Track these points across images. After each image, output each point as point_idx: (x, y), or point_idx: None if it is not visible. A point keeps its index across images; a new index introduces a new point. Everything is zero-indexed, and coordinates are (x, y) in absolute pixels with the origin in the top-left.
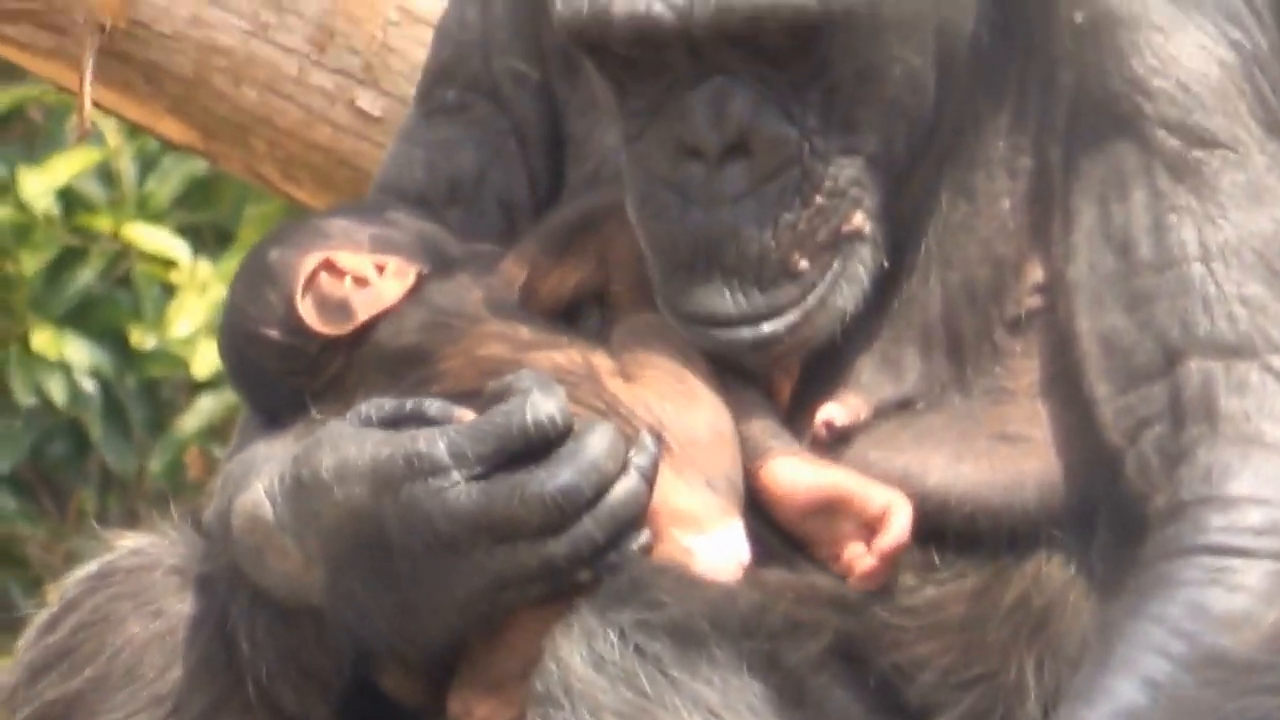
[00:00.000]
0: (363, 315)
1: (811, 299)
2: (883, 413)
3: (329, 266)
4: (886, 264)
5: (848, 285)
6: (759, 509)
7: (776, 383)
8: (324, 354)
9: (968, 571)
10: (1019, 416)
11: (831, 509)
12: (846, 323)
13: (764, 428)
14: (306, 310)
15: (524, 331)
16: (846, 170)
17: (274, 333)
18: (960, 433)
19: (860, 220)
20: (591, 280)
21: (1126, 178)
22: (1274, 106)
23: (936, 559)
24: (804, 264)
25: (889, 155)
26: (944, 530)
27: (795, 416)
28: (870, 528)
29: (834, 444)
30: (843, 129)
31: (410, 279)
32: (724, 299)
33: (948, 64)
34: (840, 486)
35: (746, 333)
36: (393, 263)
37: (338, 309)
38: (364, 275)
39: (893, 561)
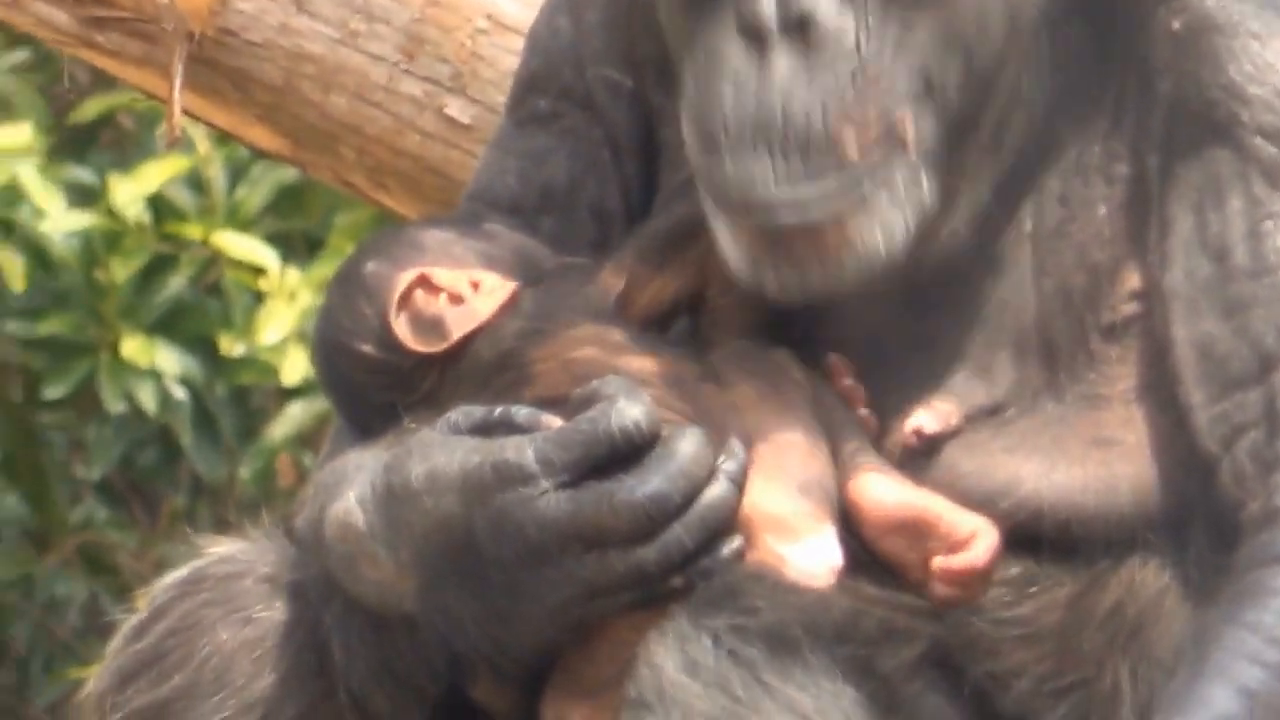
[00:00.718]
0: (457, 334)
1: (855, 194)
2: (974, 420)
3: (425, 282)
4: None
5: (891, 202)
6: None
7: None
8: (418, 370)
9: (1063, 579)
10: (1113, 421)
11: (917, 530)
12: (884, 261)
13: (854, 443)
14: (401, 328)
15: (615, 336)
16: (900, 79)
17: (367, 348)
18: (1053, 439)
19: (909, 132)
20: (690, 289)
21: (1222, 185)
22: None
23: (1032, 568)
24: (852, 153)
25: (943, 84)
26: (1039, 538)
27: (884, 424)
28: (954, 551)
29: (923, 452)
30: (901, 32)
31: (504, 295)
32: (768, 181)
33: (1019, 28)
34: (928, 508)
35: (788, 214)
36: (488, 279)
37: (432, 327)
38: (459, 292)
39: (971, 584)
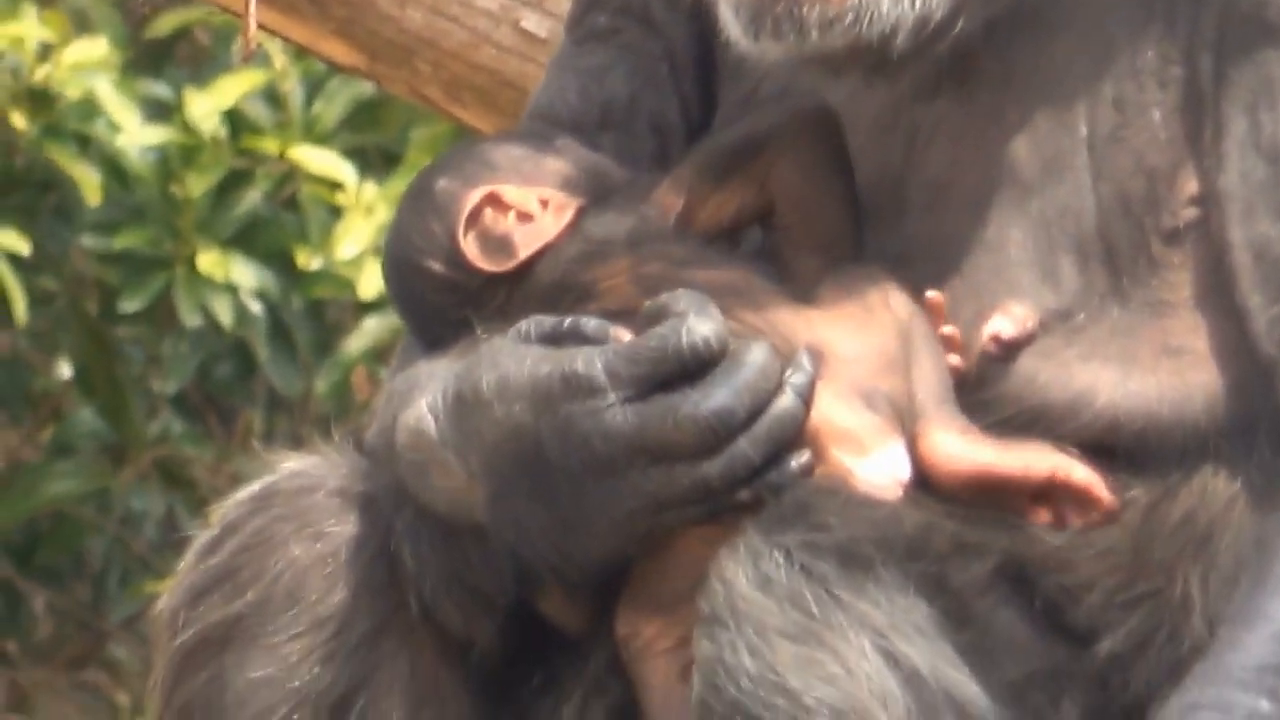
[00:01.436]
0: (524, 253)
1: None
2: (1046, 326)
3: (494, 200)
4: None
5: None
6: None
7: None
8: (486, 288)
9: (1136, 489)
10: (1181, 329)
11: (992, 485)
12: (886, 30)
13: (930, 390)
14: (469, 247)
15: (680, 250)
16: None
17: (437, 265)
18: (1124, 348)
19: None
20: (753, 206)
21: (1275, 86)
22: None
23: (1106, 478)
24: None
25: None
26: (1114, 449)
27: (960, 328)
28: (1037, 494)
29: (1001, 357)
30: None
31: (570, 213)
32: None
33: None
34: (1000, 467)
35: None
36: (555, 196)
37: (500, 245)
38: (529, 210)
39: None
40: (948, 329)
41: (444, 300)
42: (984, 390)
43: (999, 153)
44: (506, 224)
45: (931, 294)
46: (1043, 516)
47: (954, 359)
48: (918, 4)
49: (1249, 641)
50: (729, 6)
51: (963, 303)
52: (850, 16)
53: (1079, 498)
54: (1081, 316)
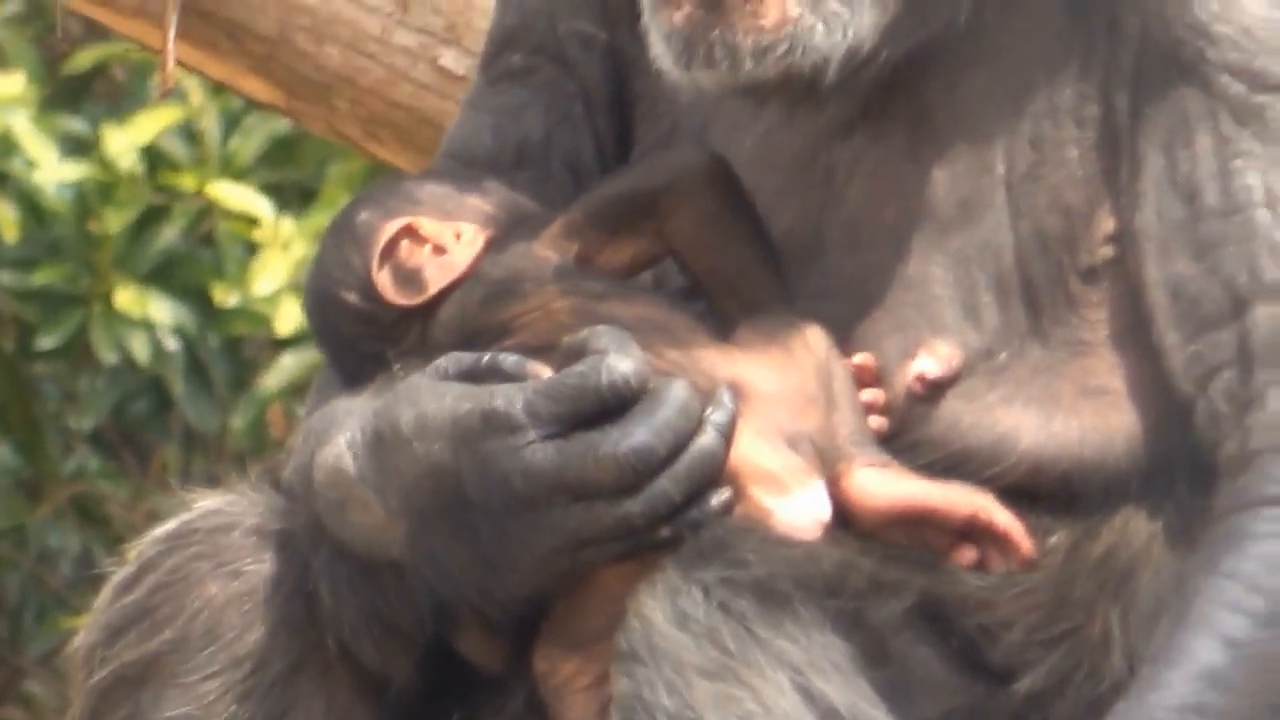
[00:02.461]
0: (434, 287)
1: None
2: (969, 366)
3: (411, 233)
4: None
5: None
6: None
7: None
8: (401, 323)
9: (1056, 529)
10: (1101, 369)
11: (914, 521)
12: (818, 59)
13: (849, 430)
14: (382, 279)
15: (596, 286)
16: None
17: (353, 297)
18: (1046, 389)
19: None
20: (649, 254)
21: (1192, 124)
22: None
23: (1027, 519)
24: None
25: None
26: (1037, 492)
27: (882, 368)
28: (959, 534)
29: (927, 397)
30: None
31: (479, 246)
32: None
33: None
34: (922, 499)
35: None
36: (470, 231)
37: (412, 279)
38: (444, 244)
39: (1024, 548)
40: (860, 358)
41: (361, 333)
42: (907, 434)
43: (917, 190)
44: (420, 257)
45: (859, 358)
46: (967, 558)
47: (875, 421)
48: (849, 33)
49: (1171, 680)
50: (661, 36)
51: (886, 340)
52: (784, 46)
53: (1000, 542)
54: (1003, 356)
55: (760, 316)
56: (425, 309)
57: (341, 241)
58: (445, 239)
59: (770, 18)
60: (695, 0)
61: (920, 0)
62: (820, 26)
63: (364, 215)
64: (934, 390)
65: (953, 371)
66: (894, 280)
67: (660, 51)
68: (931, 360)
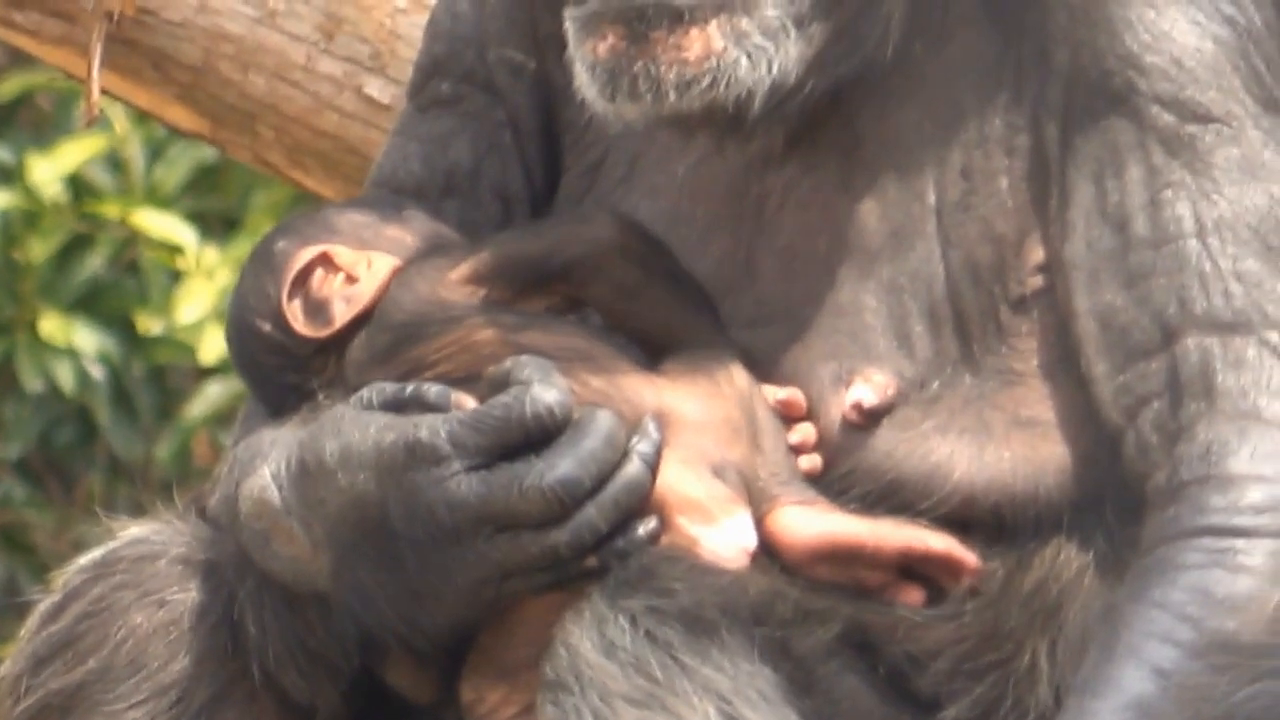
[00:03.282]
0: (340, 321)
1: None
2: (902, 395)
3: (325, 261)
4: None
5: (760, 30)
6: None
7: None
8: (316, 356)
9: (988, 561)
10: (1032, 399)
11: (842, 557)
12: (740, 91)
13: (774, 471)
14: (293, 311)
15: (512, 319)
16: None
17: (267, 326)
18: (977, 419)
19: None
20: (561, 306)
21: (1122, 154)
22: (1269, 82)
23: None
24: None
25: None
26: (969, 523)
27: (815, 394)
28: (897, 571)
29: (861, 426)
30: None
31: (384, 276)
32: None
33: None
34: (847, 535)
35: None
36: (379, 259)
37: (320, 310)
38: (356, 274)
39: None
40: (785, 392)
41: (278, 364)
42: (841, 464)
43: (849, 220)
44: (331, 287)
45: (787, 392)
46: (913, 598)
47: (808, 460)
48: (774, 67)
49: (1099, 710)
50: (585, 68)
51: (819, 367)
52: (708, 79)
53: (941, 564)
54: (936, 385)
55: (687, 348)
56: (336, 341)
57: (258, 270)
58: (358, 269)
59: (694, 51)
60: (619, 33)
61: (846, 33)
62: (744, 60)
63: (281, 244)
64: (869, 419)
65: (888, 400)
66: (827, 308)
67: (585, 82)
68: (867, 388)
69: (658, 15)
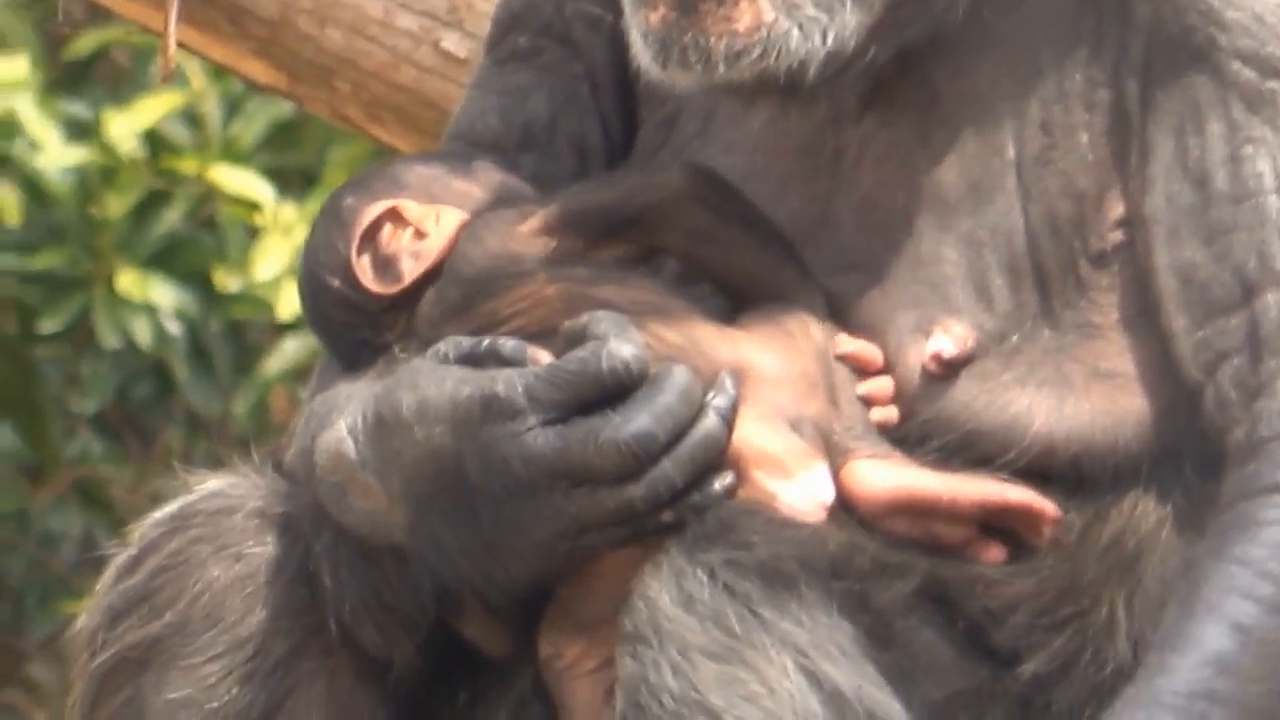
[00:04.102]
0: (410, 277)
1: None
2: (982, 347)
3: (394, 216)
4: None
5: (815, 4)
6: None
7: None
8: (387, 312)
9: (1065, 513)
10: (1111, 352)
11: (916, 511)
12: (794, 62)
13: (849, 425)
14: (361, 267)
15: (586, 272)
16: None
17: (338, 283)
18: (1057, 371)
19: None
20: (636, 255)
21: (1202, 109)
22: None
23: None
24: None
25: None
26: (1047, 475)
27: (894, 346)
28: (976, 526)
29: (941, 376)
30: None
31: (453, 230)
32: None
33: None
34: (924, 488)
35: None
36: (447, 214)
37: (389, 267)
38: (425, 229)
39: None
40: (859, 346)
41: (348, 319)
42: (917, 415)
43: (927, 174)
44: (400, 243)
45: (866, 345)
46: (994, 554)
47: (884, 412)
48: (829, 37)
49: (1179, 666)
50: (639, 35)
51: (899, 315)
52: (758, 50)
53: (1022, 516)
54: (1015, 338)
55: (764, 302)
56: (406, 297)
57: (328, 226)
58: (427, 224)
59: (743, 22)
60: (670, 3)
61: (908, 2)
62: (795, 31)
63: (349, 199)
64: (948, 370)
65: (967, 351)
66: (906, 260)
67: (639, 50)
68: (947, 339)
69: None
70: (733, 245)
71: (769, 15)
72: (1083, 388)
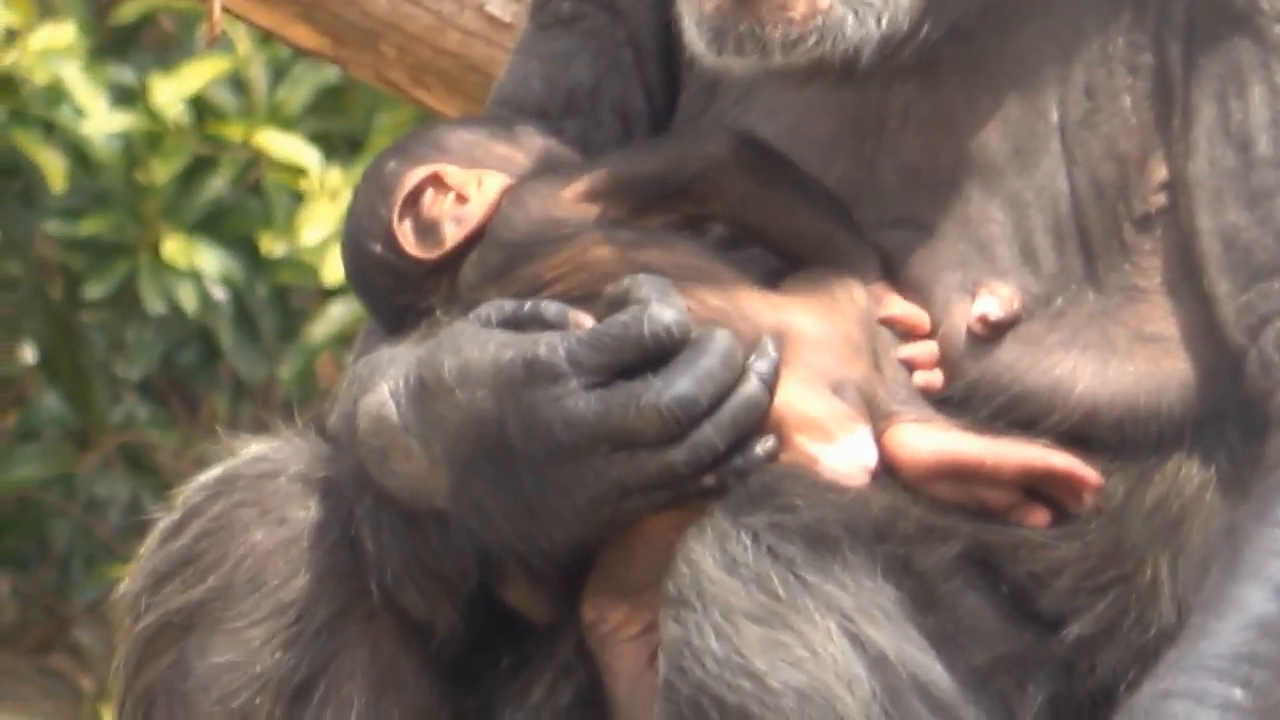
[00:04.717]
0: (451, 242)
1: None
2: (1027, 310)
3: (436, 181)
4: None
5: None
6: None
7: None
8: (429, 277)
9: (1109, 477)
10: (1155, 315)
11: (959, 475)
12: (850, 45)
13: (891, 388)
14: (403, 232)
15: (630, 235)
16: None
17: (380, 248)
18: (1101, 334)
19: None
20: (682, 222)
21: (1245, 73)
22: None
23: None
24: None
25: None
26: (1091, 438)
27: (939, 306)
28: (1020, 491)
29: (987, 338)
30: None
31: (495, 195)
32: None
33: None
34: (968, 453)
35: None
36: (489, 178)
37: (431, 231)
38: (467, 193)
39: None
40: (906, 310)
41: (391, 284)
42: (961, 377)
43: (972, 136)
44: (442, 208)
45: (909, 308)
46: (1038, 519)
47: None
48: (883, 21)
49: (1222, 630)
50: (692, 21)
51: (945, 275)
52: (814, 37)
53: (1064, 482)
54: (1060, 301)
55: (807, 266)
56: (449, 261)
57: (370, 191)
58: (469, 188)
59: (799, 10)
60: None
61: None
62: (851, 18)
63: (391, 164)
64: (994, 331)
65: (1013, 313)
66: (952, 221)
67: (692, 36)
68: (993, 301)
69: None
70: (781, 211)
71: (824, 2)
72: (1126, 351)
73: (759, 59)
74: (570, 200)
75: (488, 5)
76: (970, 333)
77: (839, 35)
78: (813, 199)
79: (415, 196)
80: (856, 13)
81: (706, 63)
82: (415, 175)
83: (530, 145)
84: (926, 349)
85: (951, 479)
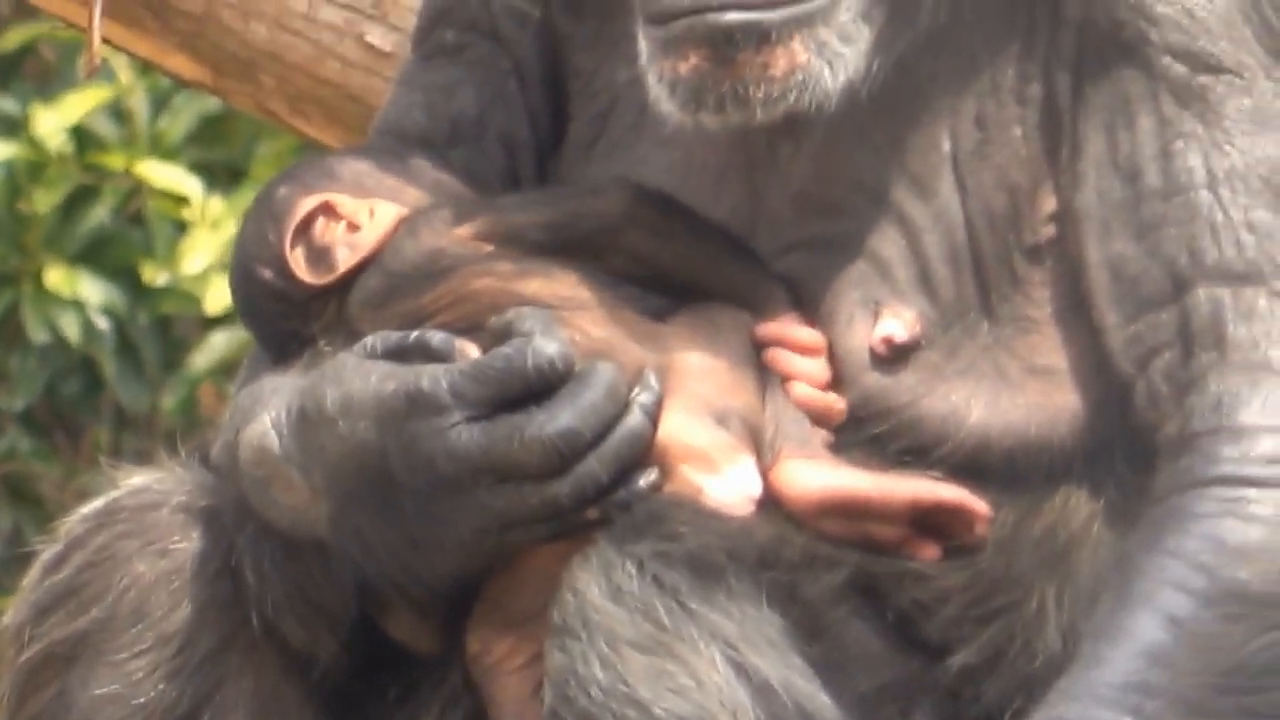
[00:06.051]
0: (343, 266)
1: (810, 9)
2: (928, 337)
3: (328, 210)
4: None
5: (839, 36)
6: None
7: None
8: (315, 301)
9: (999, 508)
10: (1046, 347)
11: (849, 511)
12: (825, 93)
13: (780, 420)
14: (295, 258)
15: (514, 267)
16: None
17: (269, 273)
18: (995, 364)
19: None
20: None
21: (1133, 105)
22: None
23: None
24: None
25: None
26: (983, 469)
27: (837, 328)
28: (910, 525)
29: (889, 360)
30: None
31: (388, 225)
32: None
33: None
34: (854, 489)
35: (735, 17)
36: (381, 208)
37: (322, 257)
38: (359, 222)
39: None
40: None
41: (279, 310)
42: (858, 402)
43: (866, 165)
44: (333, 235)
45: (809, 332)
46: (929, 553)
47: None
48: (850, 67)
49: (1113, 658)
50: (664, 84)
51: (845, 295)
52: (794, 93)
53: (954, 515)
54: (956, 330)
55: (694, 299)
56: (338, 288)
57: (260, 217)
58: (360, 217)
59: (779, 67)
60: (703, 54)
61: (901, 13)
62: (826, 70)
63: (283, 191)
64: (897, 355)
65: (916, 337)
66: (848, 241)
67: (661, 96)
68: (898, 324)
69: (746, 37)
70: (680, 262)
71: (802, 57)
72: (1019, 383)
73: (740, 118)
74: (463, 238)
75: (368, 35)
76: (873, 354)
77: (815, 88)
78: (712, 246)
79: (307, 224)
80: (830, 65)
81: (675, 120)
82: (307, 203)
83: (422, 177)
84: (817, 367)
85: (840, 515)
